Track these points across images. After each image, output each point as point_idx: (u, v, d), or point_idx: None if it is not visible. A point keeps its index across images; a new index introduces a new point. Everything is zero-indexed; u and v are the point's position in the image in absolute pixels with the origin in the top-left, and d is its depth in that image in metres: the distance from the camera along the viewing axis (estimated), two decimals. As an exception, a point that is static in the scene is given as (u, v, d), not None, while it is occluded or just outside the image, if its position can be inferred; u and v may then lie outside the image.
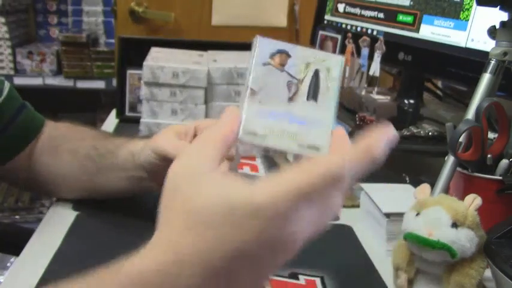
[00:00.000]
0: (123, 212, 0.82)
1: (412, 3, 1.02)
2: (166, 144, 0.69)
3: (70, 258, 0.69)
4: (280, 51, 0.44)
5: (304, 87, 0.42)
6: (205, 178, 0.38)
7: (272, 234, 0.36)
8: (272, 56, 0.44)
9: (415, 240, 0.59)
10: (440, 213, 0.58)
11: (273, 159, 0.99)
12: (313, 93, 0.42)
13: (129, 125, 1.25)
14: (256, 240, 0.36)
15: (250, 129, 0.41)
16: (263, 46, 0.43)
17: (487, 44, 0.84)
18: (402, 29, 1.04)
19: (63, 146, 0.83)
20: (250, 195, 0.36)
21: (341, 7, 1.20)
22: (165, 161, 0.67)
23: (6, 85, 0.84)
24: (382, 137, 0.39)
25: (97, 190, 0.81)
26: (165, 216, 0.39)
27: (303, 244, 0.38)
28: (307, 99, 0.42)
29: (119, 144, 0.78)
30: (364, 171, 0.38)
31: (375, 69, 1.03)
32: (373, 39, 1.04)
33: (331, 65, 0.43)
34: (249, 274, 0.38)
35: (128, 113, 1.32)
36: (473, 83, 0.73)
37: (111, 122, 1.32)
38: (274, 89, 0.42)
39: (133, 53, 1.28)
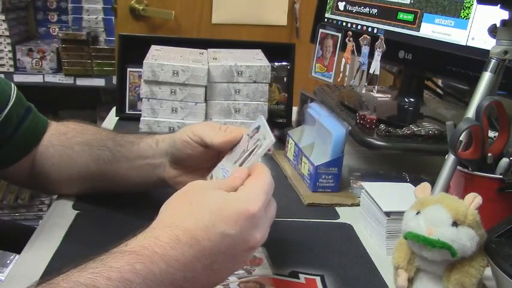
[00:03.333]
0: (123, 211, 0.82)
1: (412, 1, 1.02)
2: (207, 131, 0.74)
3: (70, 257, 0.68)
4: (257, 128, 0.65)
5: (242, 157, 0.65)
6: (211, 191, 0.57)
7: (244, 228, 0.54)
8: (254, 129, 0.66)
9: (415, 239, 0.59)
10: (440, 212, 0.58)
11: None
12: (241, 163, 0.64)
13: (129, 123, 1.24)
14: (234, 229, 0.53)
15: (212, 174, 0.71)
16: (257, 122, 0.65)
17: (487, 43, 0.84)
18: (403, 27, 1.04)
19: (74, 140, 0.84)
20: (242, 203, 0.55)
21: (341, 5, 1.20)
22: (197, 144, 0.74)
23: (13, 89, 0.84)
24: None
25: (107, 180, 0.82)
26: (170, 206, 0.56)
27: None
28: (239, 165, 0.65)
29: (143, 136, 0.82)
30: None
31: (375, 67, 1.03)
32: (374, 38, 1.04)
33: (264, 144, 0.63)
34: (226, 260, 0.53)
35: (127, 111, 1.32)
36: (474, 81, 0.73)
37: (111, 120, 1.32)
38: (236, 152, 0.69)
39: (133, 51, 1.27)
